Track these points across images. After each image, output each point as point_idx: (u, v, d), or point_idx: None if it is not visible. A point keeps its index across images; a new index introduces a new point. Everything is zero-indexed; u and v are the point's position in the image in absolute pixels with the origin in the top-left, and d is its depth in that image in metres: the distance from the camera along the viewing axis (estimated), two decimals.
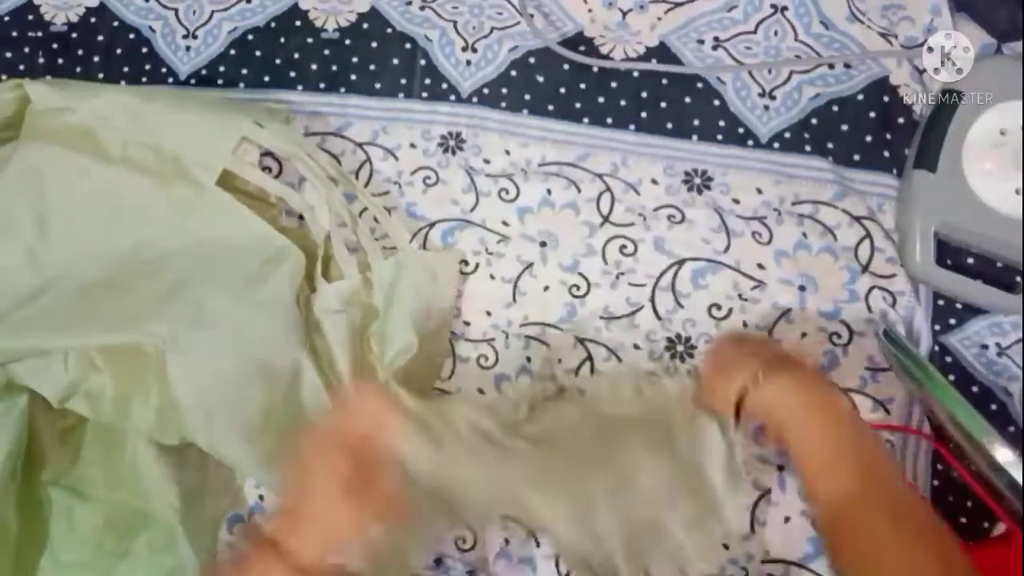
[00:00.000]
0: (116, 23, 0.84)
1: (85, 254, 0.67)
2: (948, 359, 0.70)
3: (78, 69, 0.83)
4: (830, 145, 0.74)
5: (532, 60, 0.78)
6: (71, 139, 0.69)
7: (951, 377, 0.69)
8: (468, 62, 0.78)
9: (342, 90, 0.79)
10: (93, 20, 0.84)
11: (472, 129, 0.77)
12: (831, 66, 0.75)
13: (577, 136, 0.76)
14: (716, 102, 0.76)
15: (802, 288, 0.71)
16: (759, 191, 0.73)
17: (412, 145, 0.77)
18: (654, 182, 0.74)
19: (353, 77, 0.80)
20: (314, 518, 0.51)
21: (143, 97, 0.71)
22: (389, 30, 0.80)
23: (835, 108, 0.75)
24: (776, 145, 0.74)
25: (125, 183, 0.68)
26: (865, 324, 0.70)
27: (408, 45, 0.79)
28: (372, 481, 0.53)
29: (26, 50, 0.84)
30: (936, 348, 0.70)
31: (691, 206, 0.73)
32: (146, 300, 0.64)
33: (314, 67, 0.80)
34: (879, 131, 0.74)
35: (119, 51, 0.83)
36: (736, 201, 0.73)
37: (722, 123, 0.75)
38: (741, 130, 0.75)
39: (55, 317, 0.63)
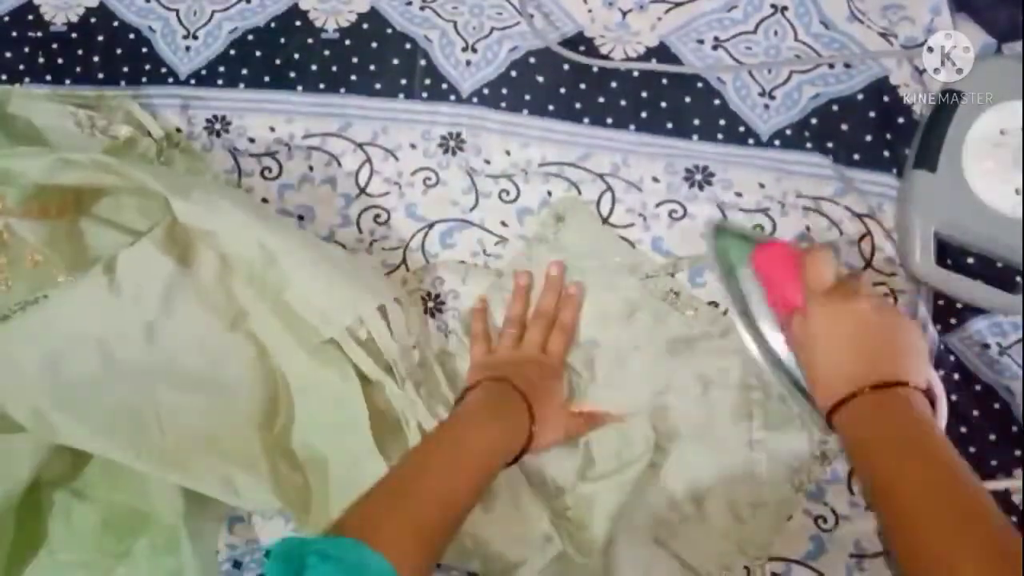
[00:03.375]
0: (116, 23, 0.84)
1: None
2: (952, 358, 0.70)
3: (78, 69, 0.83)
4: (830, 145, 0.74)
5: (532, 60, 0.78)
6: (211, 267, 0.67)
7: (955, 376, 0.69)
8: (468, 62, 0.78)
9: (342, 90, 0.79)
10: (93, 20, 0.84)
11: (472, 129, 0.77)
12: (831, 66, 0.75)
13: (578, 136, 0.76)
14: (716, 101, 0.76)
15: None
16: (761, 186, 0.74)
17: (412, 146, 0.77)
18: (655, 180, 0.74)
19: (353, 77, 0.80)
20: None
21: (283, 243, 0.65)
22: (389, 30, 0.80)
23: (835, 108, 0.75)
24: (777, 143, 0.74)
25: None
26: None
27: (408, 45, 0.79)
28: None
29: (26, 50, 0.84)
30: (942, 347, 0.70)
31: (692, 201, 0.74)
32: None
33: (314, 67, 0.80)
34: (879, 131, 0.74)
35: (119, 51, 0.83)
36: (739, 195, 0.74)
37: (722, 122, 0.75)
38: (742, 128, 0.75)
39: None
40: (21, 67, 0.83)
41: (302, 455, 0.68)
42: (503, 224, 0.75)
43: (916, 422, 0.54)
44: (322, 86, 0.80)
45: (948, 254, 0.71)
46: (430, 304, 0.74)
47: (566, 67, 0.77)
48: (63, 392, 0.60)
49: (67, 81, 0.83)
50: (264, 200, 0.77)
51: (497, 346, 0.70)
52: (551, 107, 0.77)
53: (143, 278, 0.64)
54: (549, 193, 0.75)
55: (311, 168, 0.78)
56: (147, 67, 0.82)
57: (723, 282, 0.68)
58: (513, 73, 0.78)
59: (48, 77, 0.83)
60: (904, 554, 0.50)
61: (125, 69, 0.82)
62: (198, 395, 0.64)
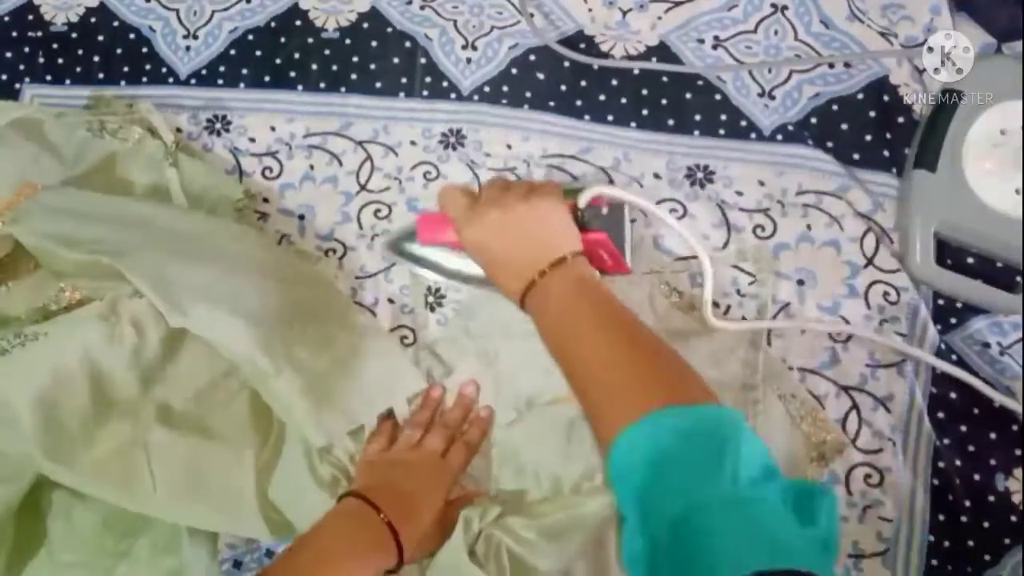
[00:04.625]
0: (116, 23, 0.84)
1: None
2: (954, 357, 0.69)
3: (78, 69, 0.83)
4: (830, 144, 0.74)
5: (532, 58, 0.78)
6: None
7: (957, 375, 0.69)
8: (468, 60, 0.79)
9: (343, 90, 0.79)
10: (93, 20, 0.84)
11: (473, 125, 0.77)
12: (831, 65, 0.75)
13: (579, 132, 0.76)
14: (717, 96, 0.76)
15: (800, 283, 0.71)
16: (761, 183, 0.74)
17: (412, 142, 0.77)
18: (656, 176, 0.74)
19: (354, 77, 0.80)
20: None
21: (274, 363, 0.63)
22: (389, 29, 0.80)
23: (835, 107, 0.75)
24: (779, 137, 0.75)
25: None
26: (864, 320, 0.70)
27: (408, 44, 0.80)
28: None
29: (26, 50, 0.84)
30: (943, 346, 0.70)
31: (693, 200, 0.74)
32: None
33: (314, 67, 0.80)
34: (879, 130, 0.74)
35: (119, 51, 0.83)
36: (739, 193, 0.74)
37: (724, 116, 0.75)
38: (743, 123, 0.75)
39: None
40: (21, 67, 0.84)
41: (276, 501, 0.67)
42: None
43: (587, 287, 0.59)
44: (322, 85, 0.80)
45: (948, 254, 0.71)
46: (430, 299, 0.74)
47: (566, 65, 0.77)
48: (55, 438, 0.60)
49: (67, 81, 0.83)
50: (265, 200, 0.77)
51: (394, 445, 0.68)
52: (552, 104, 0.77)
53: (146, 329, 0.64)
54: None
55: (312, 167, 0.78)
56: (147, 67, 0.82)
57: (413, 278, 0.73)
58: (513, 71, 0.78)
59: (48, 77, 0.83)
60: (579, 391, 0.56)
61: (125, 69, 0.83)
62: (189, 435, 0.65)
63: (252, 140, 0.79)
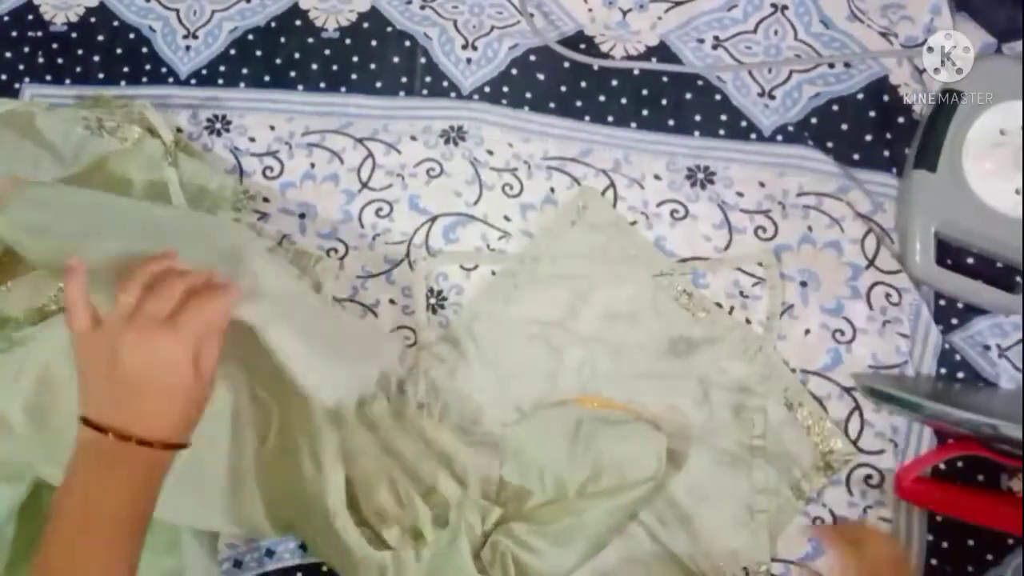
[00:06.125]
0: (116, 23, 0.84)
1: None
2: (957, 357, 0.69)
3: (78, 69, 0.83)
4: (830, 144, 0.74)
5: (533, 58, 0.78)
6: None
7: (960, 374, 0.69)
8: (469, 60, 0.79)
9: (343, 89, 0.80)
10: (93, 20, 0.84)
11: (474, 123, 0.77)
12: (831, 65, 0.76)
13: (579, 132, 0.76)
14: (717, 96, 0.76)
15: (803, 284, 0.71)
16: (762, 184, 0.74)
17: (412, 137, 0.77)
18: (657, 177, 0.74)
19: (354, 76, 0.80)
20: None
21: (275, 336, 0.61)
22: (389, 29, 0.80)
23: (835, 107, 0.75)
24: (779, 138, 0.75)
25: None
26: (867, 321, 0.70)
27: (408, 43, 0.80)
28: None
29: (26, 50, 0.84)
30: (946, 346, 0.70)
31: (694, 201, 0.74)
32: None
33: (314, 67, 0.80)
34: (879, 130, 0.74)
35: (119, 51, 0.83)
36: (740, 194, 0.74)
37: (724, 117, 0.75)
38: (743, 123, 0.75)
39: None
40: (21, 67, 0.83)
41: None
42: (506, 219, 0.75)
43: None
44: (323, 85, 0.80)
45: (948, 254, 0.71)
46: (432, 300, 0.74)
47: (567, 65, 0.77)
48: (49, 442, 0.60)
49: (67, 81, 0.83)
50: (266, 199, 0.77)
51: (106, 322, 0.53)
52: (552, 104, 0.77)
53: None
54: (552, 190, 0.75)
55: (313, 165, 0.78)
56: (147, 67, 0.82)
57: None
58: (514, 71, 0.78)
59: (48, 77, 0.83)
60: None
61: (125, 69, 0.83)
62: None
63: (252, 140, 0.79)
